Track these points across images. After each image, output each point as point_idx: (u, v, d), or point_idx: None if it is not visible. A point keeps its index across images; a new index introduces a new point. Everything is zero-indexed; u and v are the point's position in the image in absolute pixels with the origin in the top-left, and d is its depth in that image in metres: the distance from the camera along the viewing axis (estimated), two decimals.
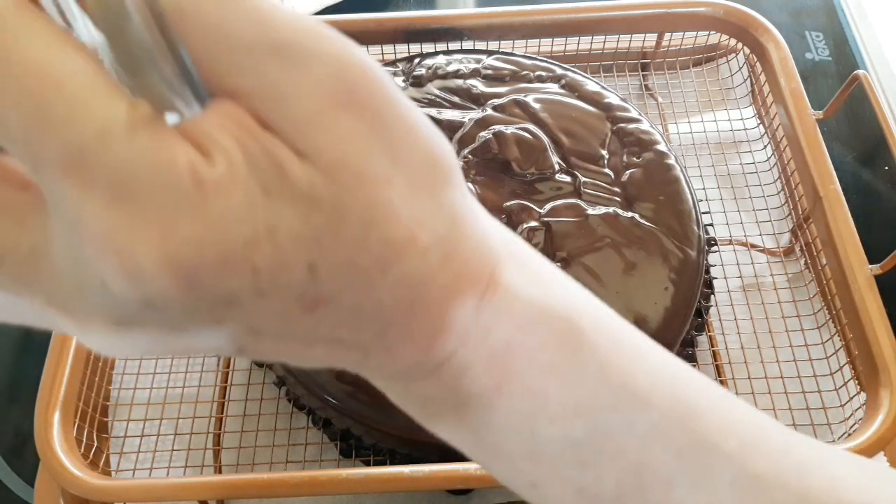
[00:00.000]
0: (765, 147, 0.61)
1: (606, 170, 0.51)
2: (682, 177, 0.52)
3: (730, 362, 0.51)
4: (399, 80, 0.57)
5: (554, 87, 0.56)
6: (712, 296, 0.53)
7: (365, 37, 0.62)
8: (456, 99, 0.55)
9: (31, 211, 0.16)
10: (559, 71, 0.57)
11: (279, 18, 0.16)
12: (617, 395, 0.21)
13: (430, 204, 0.18)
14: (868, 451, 0.43)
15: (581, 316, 0.21)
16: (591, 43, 0.64)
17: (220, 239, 0.15)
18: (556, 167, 0.51)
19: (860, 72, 0.54)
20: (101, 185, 0.15)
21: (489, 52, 0.59)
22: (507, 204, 0.49)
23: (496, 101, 0.54)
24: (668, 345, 0.46)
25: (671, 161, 0.52)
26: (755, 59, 0.62)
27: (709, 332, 0.52)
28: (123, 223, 0.15)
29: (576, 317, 0.21)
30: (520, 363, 0.20)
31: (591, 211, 0.49)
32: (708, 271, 0.52)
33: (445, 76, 0.56)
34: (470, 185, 0.50)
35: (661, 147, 0.53)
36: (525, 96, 0.54)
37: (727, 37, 0.63)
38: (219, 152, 0.15)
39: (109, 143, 0.15)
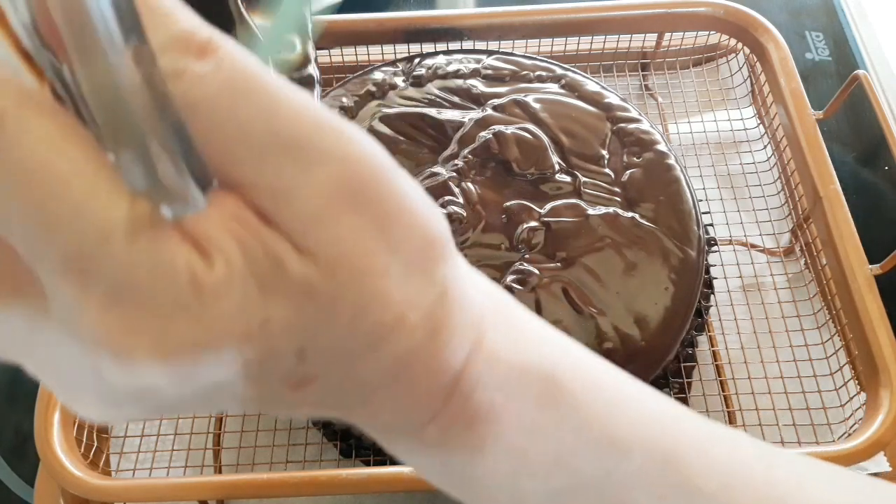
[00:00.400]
0: (765, 147, 0.61)
1: (607, 170, 0.51)
2: (682, 177, 0.52)
3: (730, 362, 0.51)
4: (399, 80, 0.57)
5: (554, 87, 0.56)
6: (712, 296, 0.53)
7: (365, 37, 0.62)
8: (456, 99, 0.55)
9: (30, 283, 0.16)
10: (559, 71, 0.57)
11: (292, 112, 0.16)
12: (597, 446, 0.21)
13: (423, 282, 0.18)
14: (868, 451, 0.43)
15: (562, 371, 0.22)
16: (591, 43, 0.64)
17: (214, 339, 0.16)
18: (557, 167, 0.51)
19: (860, 72, 0.54)
20: (99, 288, 0.15)
21: (489, 52, 0.59)
22: (508, 204, 0.49)
23: (496, 101, 0.54)
24: (669, 345, 0.46)
25: (671, 161, 0.52)
26: (755, 59, 0.62)
27: (709, 332, 0.52)
28: (120, 325, 0.15)
29: (557, 373, 0.21)
30: (501, 425, 0.21)
31: (591, 211, 0.49)
32: (708, 271, 0.52)
33: (445, 76, 0.56)
34: (470, 184, 0.50)
35: (662, 147, 0.53)
36: (525, 96, 0.54)
37: (727, 37, 0.63)
38: (218, 254, 0.16)
39: (109, 248, 0.15)
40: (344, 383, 0.18)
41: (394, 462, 0.46)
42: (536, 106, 0.54)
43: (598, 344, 0.45)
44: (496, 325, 0.21)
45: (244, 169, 0.16)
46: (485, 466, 0.21)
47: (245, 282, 0.16)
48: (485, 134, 0.51)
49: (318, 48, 0.65)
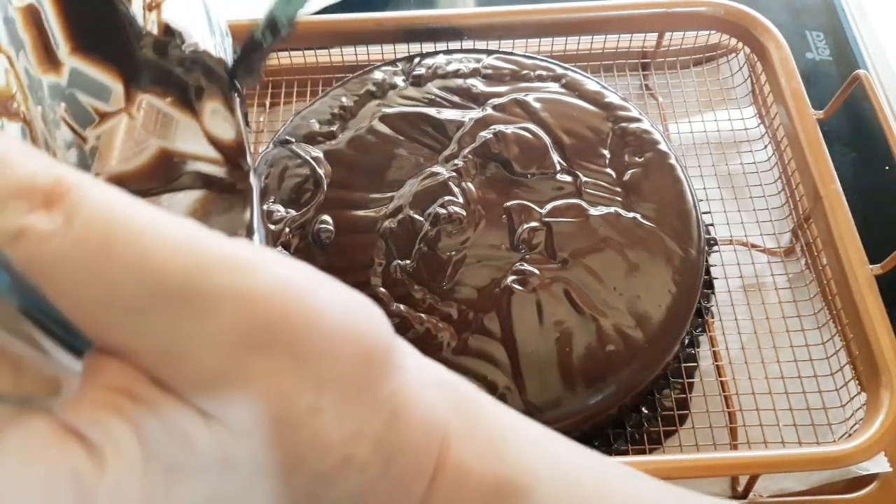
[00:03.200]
0: (765, 147, 0.60)
1: (608, 169, 0.51)
2: (683, 177, 0.52)
3: (730, 362, 0.51)
4: (399, 79, 0.56)
5: (554, 86, 0.56)
6: (713, 296, 0.53)
7: (365, 37, 0.62)
8: (456, 98, 0.55)
9: None
10: (559, 70, 0.57)
11: (166, 259, 0.13)
12: None
13: (367, 407, 0.16)
14: (868, 451, 0.43)
15: (538, 479, 0.19)
16: (592, 43, 0.64)
17: None
18: (558, 167, 0.51)
19: (861, 71, 0.53)
20: None
21: (489, 52, 0.59)
22: (508, 204, 0.49)
23: (496, 101, 0.54)
24: (669, 345, 0.46)
25: (672, 161, 0.52)
26: (756, 59, 0.62)
27: (709, 332, 0.52)
28: None
29: (533, 484, 0.19)
30: None
31: (592, 211, 0.49)
32: (708, 271, 0.52)
33: (445, 76, 0.56)
34: (470, 184, 0.50)
35: (663, 147, 0.53)
36: (525, 95, 0.54)
37: (728, 36, 0.63)
38: (109, 446, 0.13)
39: None
40: None
41: None
42: (537, 105, 0.53)
43: (599, 345, 0.45)
44: (462, 430, 0.18)
45: (122, 333, 0.13)
46: None
47: (147, 476, 0.13)
48: (485, 133, 0.51)
49: (318, 48, 0.65)
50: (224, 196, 0.36)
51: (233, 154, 0.35)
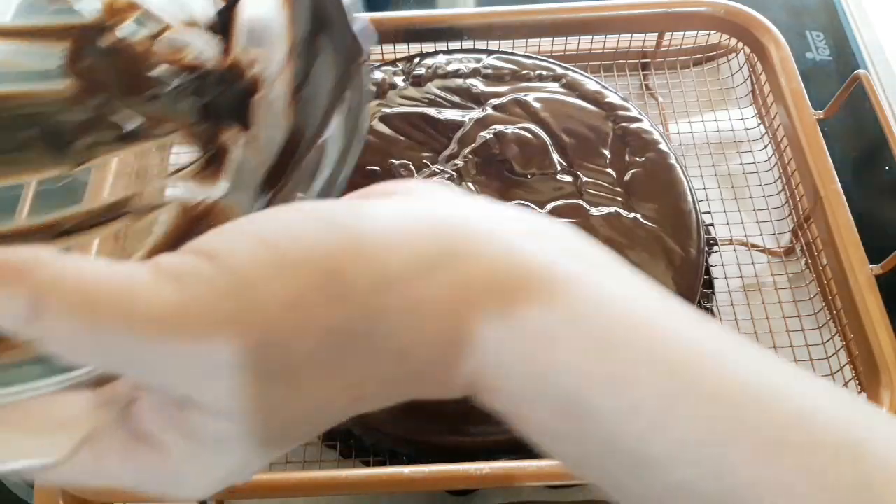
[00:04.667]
0: (765, 147, 0.60)
1: (608, 169, 0.51)
2: (683, 177, 0.52)
3: None
4: (399, 79, 0.56)
5: (554, 86, 0.56)
6: (713, 296, 0.53)
7: None
8: (456, 98, 0.55)
9: None
10: (559, 70, 0.57)
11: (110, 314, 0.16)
12: (628, 463, 0.19)
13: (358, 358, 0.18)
14: None
15: (583, 385, 0.19)
16: (592, 43, 0.64)
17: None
18: (558, 167, 0.51)
19: (861, 71, 0.53)
20: None
21: (489, 52, 0.59)
22: (508, 204, 0.49)
23: (496, 101, 0.54)
24: None
25: (673, 161, 0.52)
26: (756, 59, 0.62)
27: None
28: None
29: (577, 389, 0.18)
30: (523, 427, 0.20)
31: (593, 211, 0.49)
32: (708, 271, 0.52)
33: (445, 76, 0.56)
34: (469, 184, 0.50)
35: (663, 147, 0.53)
36: (525, 95, 0.54)
37: (728, 36, 0.63)
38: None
39: None
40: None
41: (393, 462, 0.46)
42: (537, 105, 0.53)
43: None
44: (513, 335, 0.19)
45: (137, 380, 0.18)
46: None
47: (201, 455, 0.18)
48: (485, 133, 0.51)
49: None
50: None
51: None
